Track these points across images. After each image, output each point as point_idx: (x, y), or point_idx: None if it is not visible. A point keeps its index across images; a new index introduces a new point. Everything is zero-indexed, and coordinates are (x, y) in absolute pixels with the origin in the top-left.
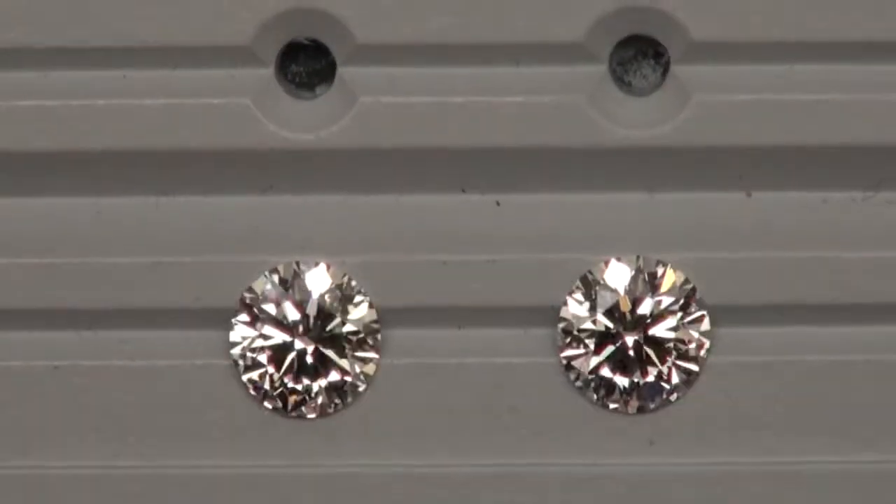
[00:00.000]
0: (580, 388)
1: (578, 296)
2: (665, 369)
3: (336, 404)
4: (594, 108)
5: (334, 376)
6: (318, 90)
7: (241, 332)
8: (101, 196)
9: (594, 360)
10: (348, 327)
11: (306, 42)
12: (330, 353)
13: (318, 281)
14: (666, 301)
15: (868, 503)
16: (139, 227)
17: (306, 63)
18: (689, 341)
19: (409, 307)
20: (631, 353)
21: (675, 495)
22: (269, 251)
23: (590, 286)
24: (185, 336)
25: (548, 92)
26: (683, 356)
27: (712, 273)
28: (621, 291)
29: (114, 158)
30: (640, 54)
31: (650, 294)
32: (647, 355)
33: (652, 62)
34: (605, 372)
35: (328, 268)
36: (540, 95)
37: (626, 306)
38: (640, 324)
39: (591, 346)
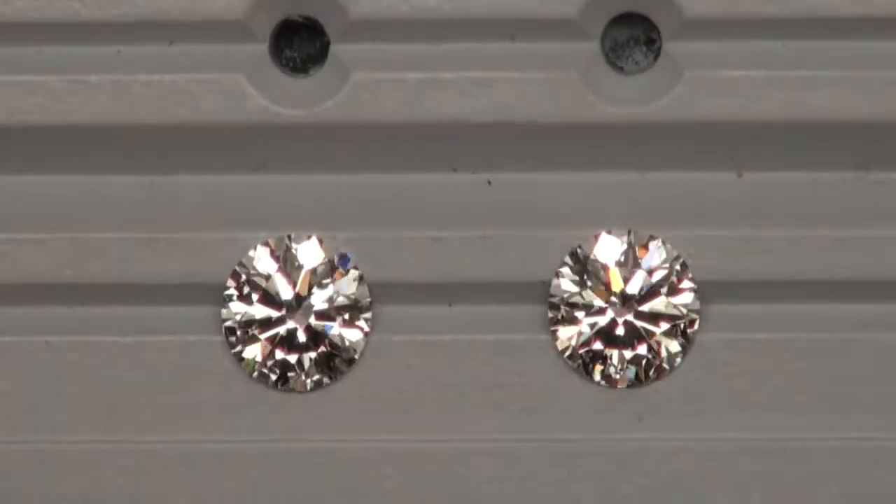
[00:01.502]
0: (570, 364)
1: (568, 271)
2: (655, 345)
3: (327, 379)
4: (587, 84)
5: (325, 351)
6: (312, 72)
7: (232, 307)
8: (94, 171)
9: (584, 336)
10: (339, 302)
11: (300, 19)
12: (321, 328)
13: (310, 255)
14: (656, 277)
15: (857, 480)
16: (132, 203)
17: (300, 48)
18: (679, 317)
19: (401, 283)
20: (621, 328)
21: (663, 470)
22: (261, 227)
23: (580, 261)
24: (177, 311)
25: (540, 68)
26: (673, 332)
27: (703, 250)
28: (611, 266)
29: (107, 134)
30: (632, 40)
31: (641, 269)
32: (637, 331)
33: (644, 48)
34: (596, 347)
35: (320, 242)
36: (533, 72)
37: (616, 282)
38: (630, 299)
39: (582, 322)
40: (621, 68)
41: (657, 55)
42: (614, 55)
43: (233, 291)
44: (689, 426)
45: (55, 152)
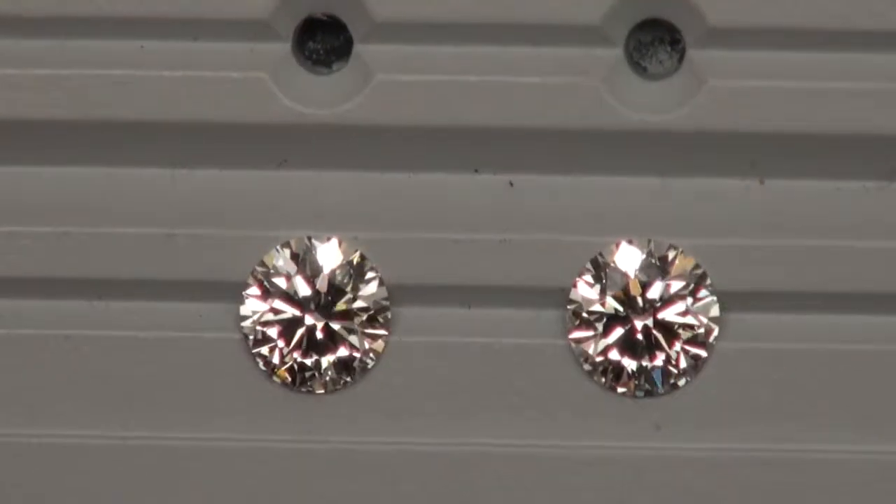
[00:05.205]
0: (588, 371)
1: (588, 278)
2: (673, 354)
3: (344, 380)
4: (609, 91)
5: (343, 352)
6: (335, 66)
7: (251, 305)
8: (116, 166)
9: (603, 343)
10: (358, 304)
11: (324, 18)
12: (339, 329)
13: (330, 256)
14: (676, 285)
15: (874, 492)
16: (153, 199)
17: (324, 40)
18: (699, 326)
19: (420, 285)
20: (640, 336)
21: (680, 480)
22: (281, 226)
23: (600, 268)
24: (196, 308)
25: (563, 74)
26: (692, 341)
27: (723, 259)
28: (631, 274)
29: (129, 129)
30: (656, 40)
31: (660, 278)
32: (656, 339)
33: (668, 48)
34: (614, 355)
35: (340, 244)
36: (555, 77)
37: (635, 289)
38: (650, 307)
39: (600, 329)
40: (645, 69)
41: (682, 56)
42: (638, 55)
43: (253, 290)
44: (707, 436)
45: (77, 147)
